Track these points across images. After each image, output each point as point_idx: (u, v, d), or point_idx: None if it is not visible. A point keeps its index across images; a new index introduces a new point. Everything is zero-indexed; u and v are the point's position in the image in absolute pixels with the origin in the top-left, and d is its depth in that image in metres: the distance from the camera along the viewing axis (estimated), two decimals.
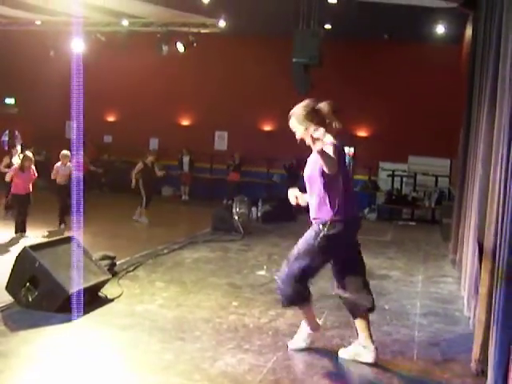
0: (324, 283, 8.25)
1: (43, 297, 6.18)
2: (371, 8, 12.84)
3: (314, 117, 5.19)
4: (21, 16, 15.10)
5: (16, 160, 12.70)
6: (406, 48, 17.02)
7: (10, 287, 6.37)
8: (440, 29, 14.95)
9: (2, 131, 20.87)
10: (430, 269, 9.96)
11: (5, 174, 11.92)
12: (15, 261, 6.42)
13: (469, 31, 12.36)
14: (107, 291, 7.00)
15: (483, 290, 5.10)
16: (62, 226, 11.68)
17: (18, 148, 13.88)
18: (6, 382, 4.49)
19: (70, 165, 12.04)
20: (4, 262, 7.63)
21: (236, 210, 12.60)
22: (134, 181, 13.60)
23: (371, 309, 5.24)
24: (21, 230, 10.75)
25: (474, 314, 5.98)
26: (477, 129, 7.88)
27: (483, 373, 4.92)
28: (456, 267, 9.53)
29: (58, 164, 12.09)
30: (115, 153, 20.02)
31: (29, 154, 11.30)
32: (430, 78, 16.95)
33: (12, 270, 6.40)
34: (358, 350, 5.18)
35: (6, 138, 20.66)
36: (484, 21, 8.13)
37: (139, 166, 13.67)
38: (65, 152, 12.18)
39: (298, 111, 5.23)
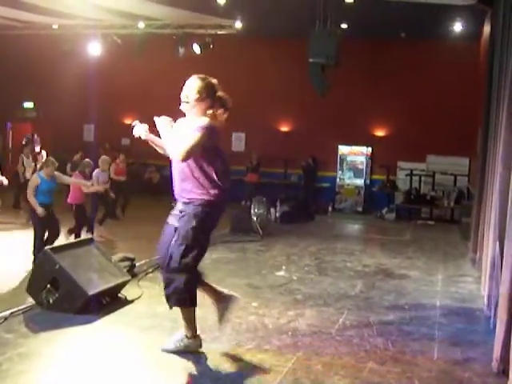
0: (343, 283, 8.28)
1: (64, 298, 6.22)
2: (387, 6, 12.79)
3: (213, 93, 5.29)
4: (37, 20, 15.19)
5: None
6: (423, 46, 16.93)
7: (31, 289, 6.42)
8: (457, 26, 14.86)
9: (21, 135, 21.05)
10: (449, 268, 9.91)
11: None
12: (36, 263, 6.48)
13: (487, 28, 12.28)
14: (127, 292, 7.03)
15: (504, 289, 5.06)
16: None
17: (44, 154, 13.87)
18: (28, 382, 4.53)
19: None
20: None
21: (255, 210, 12.60)
22: None
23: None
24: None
25: (495, 314, 5.93)
26: (496, 127, 7.83)
27: (504, 372, 4.89)
28: (476, 266, 9.48)
29: (98, 170, 11.37)
30: (133, 156, 20.06)
31: (88, 160, 10.87)
32: (448, 77, 16.85)
33: (33, 273, 6.46)
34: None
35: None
36: (502, 18, 8.07)
37: None
38: (105, 158, 11.88)
39: (207, 79, 5.40)
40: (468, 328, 6.42)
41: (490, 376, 4.97)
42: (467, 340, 5.97)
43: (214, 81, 5.39)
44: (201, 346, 5.23)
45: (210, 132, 4.98)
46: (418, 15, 13.41)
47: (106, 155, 12.77)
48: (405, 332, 6.14)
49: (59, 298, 6.23)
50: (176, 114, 5.37)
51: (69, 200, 10.30)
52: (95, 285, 6.45)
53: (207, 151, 5.01)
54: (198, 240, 4.99)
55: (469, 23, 14.46)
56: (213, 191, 4.99)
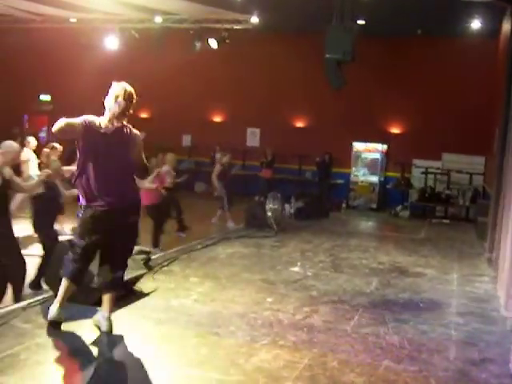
0: (358, 280, 8.26)
1: (80, 291, 6.23)
2: (404, 3, 12.72)
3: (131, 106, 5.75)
4: (55, 14, 15.26)
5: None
6: (440, 43, 16.81)
7: (48, 280, 6.45)
8: (475, 23, 14.73)
9: (39, 128, 21.17)
10: (465, 267, 9.84)
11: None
12: (53, 255, 6.49)
13: (506, 26, 12.19)
14: (142, 286, 7.06)
15: None
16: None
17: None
18: (44, 373, 4.56)
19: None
20: None
21: (269, 206, 12.59)
22: (216, 185, 13.33)
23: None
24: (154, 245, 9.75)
25: None
26: None
27: None
28: (492, 266, 9.42)
29: (166, 168, 10.72)
30: (148, 150, 20.06)
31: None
32: (465, 74, 16.74)
33: (50, 264, 6.47)
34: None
35: (44, 135, 20.92)
36: None
37: (219, 169, 13.38)
38: (172, 154, 11.21)
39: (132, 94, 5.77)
40: (484, 328, 6.37)
41: (507, 377, 4.94)
42: (484, 340, 5.93)
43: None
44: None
45: (83, 124, 5.58)
46: (434, 12, 13.32)
47: None
48: (421, 331, 6.11)
49: (76, 289, 6.24)
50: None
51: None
52: None
53: (87, 154, 5.46)
54: (77, 243, 5.41)
55: (487, 20, 14.33)
56: (86, 195, 5.33)
